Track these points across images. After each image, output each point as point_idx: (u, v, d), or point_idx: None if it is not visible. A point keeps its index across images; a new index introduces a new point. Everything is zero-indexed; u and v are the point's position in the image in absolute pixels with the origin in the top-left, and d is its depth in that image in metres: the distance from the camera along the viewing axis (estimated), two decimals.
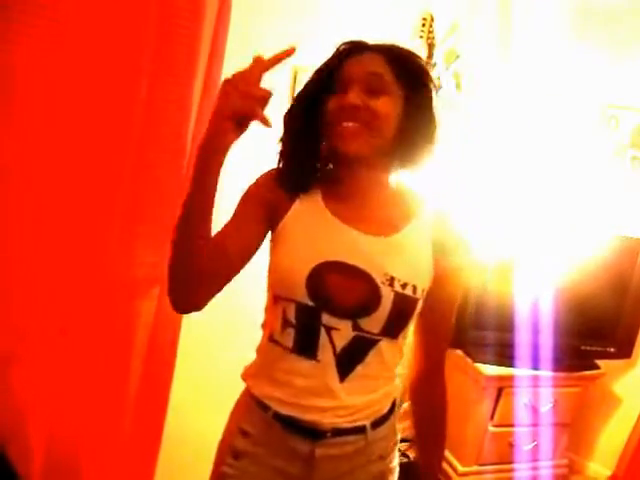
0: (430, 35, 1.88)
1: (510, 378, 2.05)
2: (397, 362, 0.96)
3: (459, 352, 2.13)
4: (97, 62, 1.18)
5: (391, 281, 0.85)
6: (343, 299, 0.85)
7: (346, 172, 0.90)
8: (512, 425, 2.10)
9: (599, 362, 2.21)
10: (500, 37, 2.11)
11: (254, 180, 0.95)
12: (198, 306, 0.88)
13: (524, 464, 2.14)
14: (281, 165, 0.93)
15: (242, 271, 1.78)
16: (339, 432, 0.89)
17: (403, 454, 1.65)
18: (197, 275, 0.84)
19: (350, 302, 0.85)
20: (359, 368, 0.88)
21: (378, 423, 0.94)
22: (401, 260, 0.88)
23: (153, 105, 1.28)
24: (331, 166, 0.94)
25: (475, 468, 2.12)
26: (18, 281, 1.21)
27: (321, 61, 0.93)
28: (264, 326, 0.96)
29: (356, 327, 0.86)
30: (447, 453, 2.20)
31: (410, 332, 0.96)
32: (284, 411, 0.89)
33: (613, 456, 2.30)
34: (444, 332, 1.00)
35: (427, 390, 1.02)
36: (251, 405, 0.94)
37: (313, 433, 0.89)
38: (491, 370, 2.03)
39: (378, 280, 0.85)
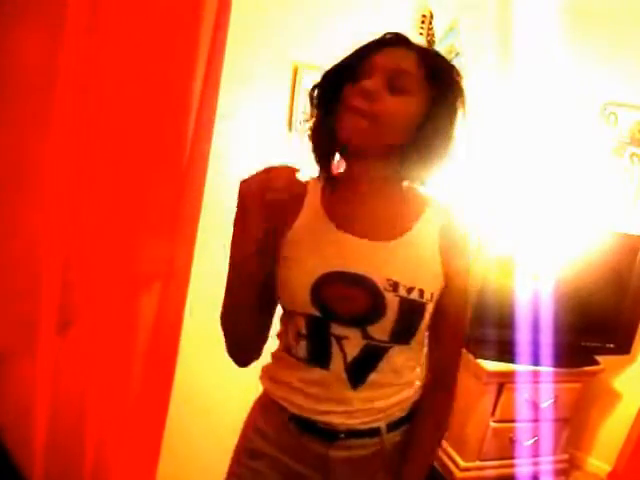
0: (430, 32, 1.89)
1: (511, 374, 2.06)
2: (413, 367, 0.94)
3: None
4: (96, 59, 1.18)
5: (395, 286, 0.83)
6: (347, 308, 0.84)
7: (350, 168, 0.89)
8: (513, 421, 2.11)
9: (599, 358, 2.22)
10: (499, 34, 2.11)
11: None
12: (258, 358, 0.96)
13: (525, 459, 2.15)
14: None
15: None
16: (353, 434, 0.89)
17: None
18: (258, 337, 0.94)
19: (355, 310, 0.84)
20: (372, 376, 0.88)
21: (395, 426, 0.92)
22: (405, 264, 0.85)
23: (154, 102, 1.28)
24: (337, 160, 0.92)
25: (477, 463, 2.12)
26: (19, 276, 1.21)
27: (330, 57, 0.91)
28: (279, 336, 0.96)
29: (365, 335, 0.85)
30: (449, 448, 2.21)
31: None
32: (299, 413, 0.90)
33: (613, 451, 2.30)
34: (457, 335, 0.96)
35: (431, 397, 0.96)
36: (268, 406, 0.95)
37: (327, 434, 0.89)
38: (492, 366, 2.04)
39: (381, 286, 0.84)
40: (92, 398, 1.37)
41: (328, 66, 0.89)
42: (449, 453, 2.19)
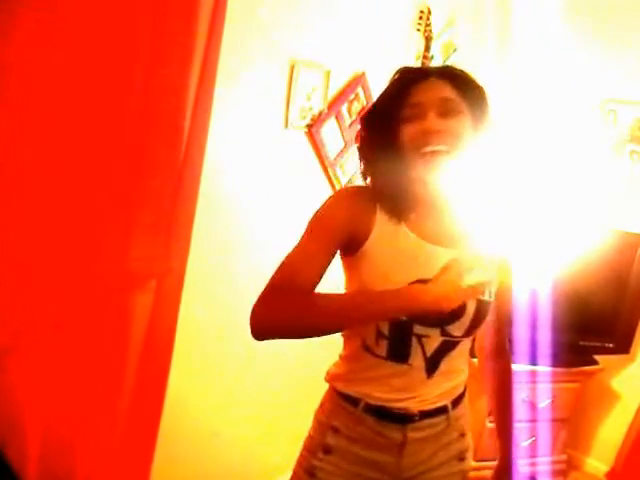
0: (427, 28, 1.87)
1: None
2: (467, 356, 1.05)
3: None
4: (93, 54, 1.17)
5: None
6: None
7: (420, 191, 0.95)
8: None
9: (597, 357, 2.21)
10: (497, 30, 2.10)
11: (326, 204, 0.98)
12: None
13: (522, 460, 2.13)
14: (378, 196, 0.97)
15: (240, 266, 1.77)
16: (425, 414, 0.99)
17: None
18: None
19: (439, 314, 0.91)
20: (442, 365, 0.98)
21: (457, 401, 1.04)
22: (478, 269, 0.92)
23: (149, 99, 1.27)
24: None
25: (473, 464, 2.11)
26: (13, 276, 1.20)
27: (380, 90, 0.99)
28: (348, 337, 1.04)
29: (444, 333, 0.95)
30: None
31: None
32: (374, 402, 0.98)
33: (611, 452, 2.30)
34: (507, 313, 1.13)
35: (498, 365, 1.14)
36: (339, 403, 1.03)
37: (403, 418, 0.98)
38: None
39: None
40: (86, 397, 1.36)
41: (365, 122, 1.01)
42: None
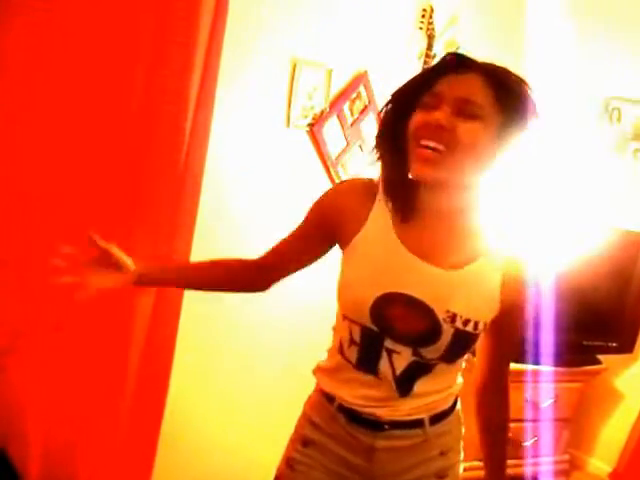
0: (430, 26, 1.87)
1: (511, 373, 2.03)
2: (456, 374, 1.00)
3: None
4: (94, 56, 1.17)
5: (453, 318, 0.86)
6: (405, 328, 0.87)
7: (423, 195, 0.86)
8: (513, 420, 2.08)
9: (601, 357, 2.20)
10: (500, 29, 2.09)
11: (326, 192, 0.97)
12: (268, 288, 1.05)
13: (525, 460, 2.13)
14: (383, 184, 0.89)
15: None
16: (397, 425, 0.93)
17: None
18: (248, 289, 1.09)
19: (411, 332, 0.87)
20: (418, 387, 0.92)
21: (437, 418, 0.96)
22: (466, 296, 0.87)
23: (150, 100, 1.27)
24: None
25: (476, 463, 2.10)
26: (14, 277, 1.20)
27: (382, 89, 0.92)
28: (334, 331, 1.00)
29: (416, 353, 0.89)
30: None
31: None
32: (346, 404, 0.94)
33: (614, 452, 2.29)
34: (508, 350, 1.04)
35: (489, 401, 1.06)
36: (320, 398, 1.00)
37: (372, 424, 0.93)
38: None
39: (440, 316, 0.86)
40: (87, 398, 1.36)
41: (390, 98, 0.87)
42: None
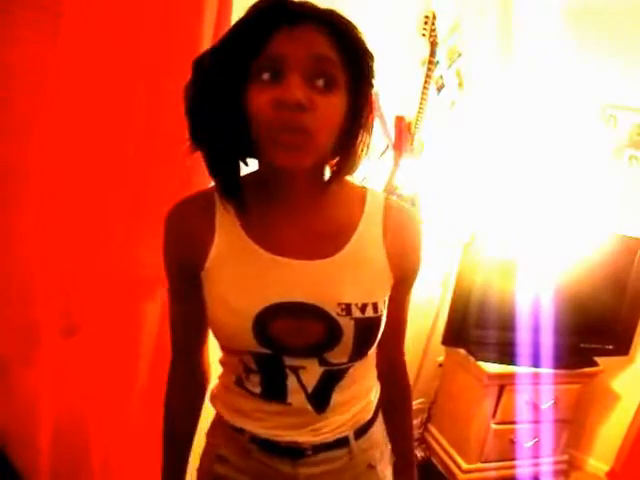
0: (432, 33, 1.88)
1: (512, 376, 2.07)
2: (371, 373, 0.90)
3: (462, 351, 2.15)
4: (97, 59, 1.16)
5: (347, 309, 0.74)
6: (300, 340, 0.74)
7: (276, 187, 0.73)
8: (514, 422, 2.12)
9: (598, 359, 2.24)
10: (501, 36, 2.11)
11: (164, 231, 0.79)
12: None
13: (525, 460, 2.16)
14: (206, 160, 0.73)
15: None
16: (320, 448, 0.82)
17: None
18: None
19: (309, 341, 0.75)
20: (336, 398, 0.81)
21: (362, 431, 0.86)
22: (353, 280, 0.75)
23: (156, 103, 1.26)
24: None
25: (478, 465, 2.13)
26: (21, 282, 1.19)
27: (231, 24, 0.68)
28: (224, 365, 0.87)
29: (323, 362, 0.77)
30: (451, 450, 2.22)
31: None
32: (260, 435, 0.82)
33: (612, 452, 2.33)
34: (400, 329, 0.91)
35: (390, 384, 0.94)
36: (226, 429, 0.86)
37: (293, 452, 0.81)
38: (493, 368, 2.05)
39: (333, 312, 0.73)
40: (96, 404, 1.35)
41: (196, 72, 0.70)
42: (451, 455, 2.20)
